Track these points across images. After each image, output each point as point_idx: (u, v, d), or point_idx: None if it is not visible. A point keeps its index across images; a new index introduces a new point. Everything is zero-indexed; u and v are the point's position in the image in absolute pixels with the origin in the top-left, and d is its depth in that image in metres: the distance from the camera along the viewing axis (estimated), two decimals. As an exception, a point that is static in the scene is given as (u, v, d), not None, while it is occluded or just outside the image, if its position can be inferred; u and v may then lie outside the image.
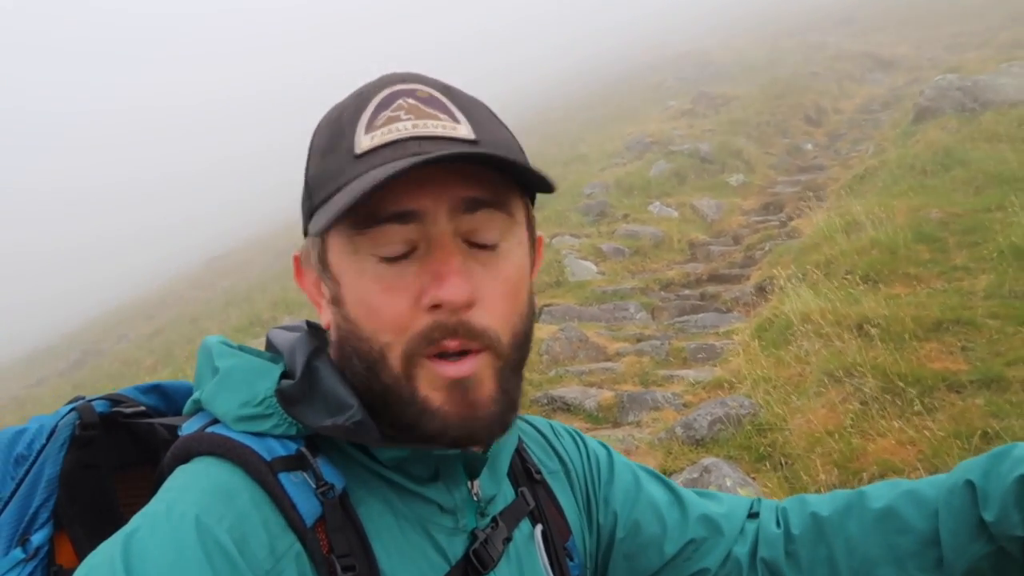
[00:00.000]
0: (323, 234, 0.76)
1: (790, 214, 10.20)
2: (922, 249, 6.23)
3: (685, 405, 5.55)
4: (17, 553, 0.81)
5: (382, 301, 0.72)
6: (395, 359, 0.73)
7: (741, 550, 0.99)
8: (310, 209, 0.77)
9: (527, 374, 6.77)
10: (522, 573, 0.85)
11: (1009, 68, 10.59)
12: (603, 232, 10.93)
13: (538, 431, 1.02)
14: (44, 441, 0.85)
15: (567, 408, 5.91)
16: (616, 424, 5.65)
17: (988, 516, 0.85)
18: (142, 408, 0.92)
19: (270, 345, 0.85)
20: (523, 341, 0.79)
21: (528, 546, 0.87)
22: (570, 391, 6.11)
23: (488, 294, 0.74)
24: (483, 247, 0.75)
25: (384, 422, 0.75)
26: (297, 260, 0.85)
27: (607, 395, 5.95)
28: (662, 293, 8.95)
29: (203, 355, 0.82)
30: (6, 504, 0.83)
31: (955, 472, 0.92)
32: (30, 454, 0.85)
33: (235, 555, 0.65)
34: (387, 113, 0.74)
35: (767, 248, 9.05)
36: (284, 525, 0.69)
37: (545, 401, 6.00)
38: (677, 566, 0.99)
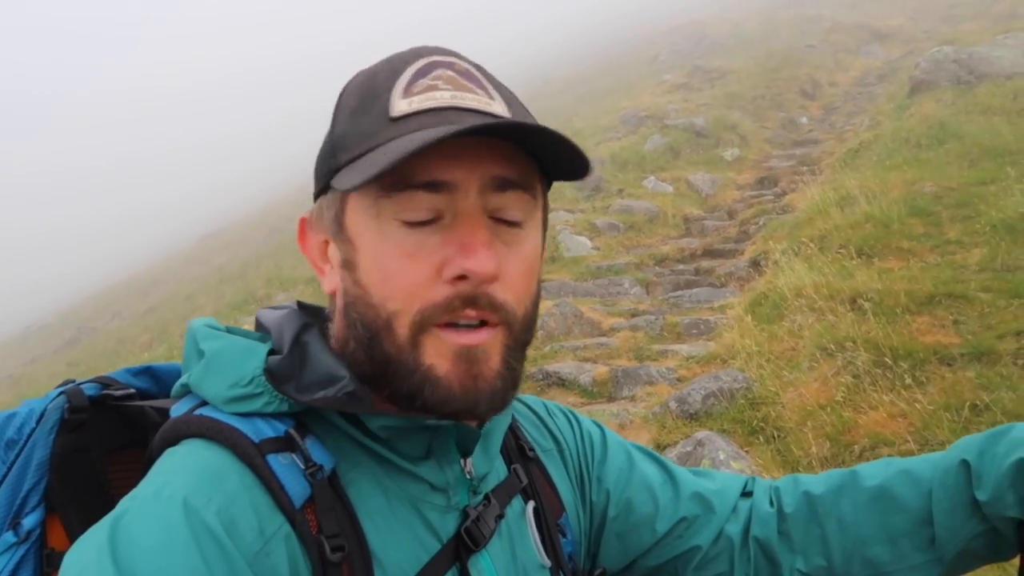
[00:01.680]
0: (344, 194, 0.75)
1: (785, 188, 10.19)
2: (916, 223, 6.24)
3: (679, 379, 5.57)
4: (8, 536, 0.81)
5: (400, 267, 0.72)
6: (402, 328, 0.72)
7: (733, 528, 0.99)
8: (332, 168, 0.76)
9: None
10: (513, 549, 0.85)
11: (1005, 40, 10.53)
12: (598, 207, 10.91)
13: (532, 410, 1.02)
14: (34, 425, 0.85)
15: (562, 383, 5.94)
16: (610, 399, 5.68)
17: (982, 496, 0.86)
18: (132, 391, 0.92)
19: (259, 325, 0.85)
20: (532, 323, 0.80)
21: (520, 523, 0.88)
22: (565, 366, 6.13)
23: (509, 271, 0.74)
24: (508, 226, 0.75)
25: (382, 395, 0.75)
26: (304, 222, 0.83)
27: (601, 370, 5.97)
28: (657, 268, 8.96)
29: (189, 338, 0.82)
30: None
31: (950, 451, 0.92)
32: (20, 438, 0.85)
33: (223, 537, 0.65)
34: (425, 81, 0.74)
35: (761, 223, 9.05)
36: (273, 507, 0.69)
37: (540, 376, 6.02)
38: (668, 544, 0.99)
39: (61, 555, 0.81)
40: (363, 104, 0.76)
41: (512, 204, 0.75)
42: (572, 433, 1.03)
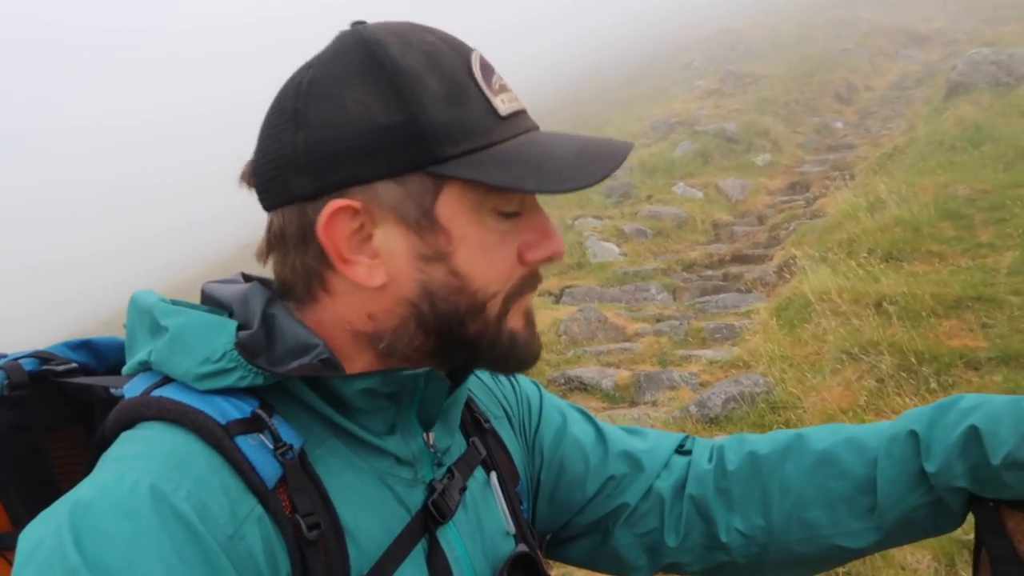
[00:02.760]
0: (438, 183, 0.73)
1: (816, 193, 10.04)
2: (947, 226, 6.11)
3: (701, 384, 5.53)
4: None
5: (501, 253, 0.77)
6: (494, 307, 0.78)
7: (664, 484, 0.99)
8: (430, 154, 0.72)
9: (545, 354, 6.76)
10: (480, 520, 0.86)
11: (1046, 41, 10.27)
12: (626, 213, 10.87)
13: (480, 379, 1.03)
14: None
15: (584, 388, 5.92)
16: (632, 403, 5.65)
17: (930, 468, 0.85)
18: (74, 365, 0.90)
19: (209, 299, 0.81)
20: None
21: (485, 493, 0.89)
22: (587, 371, 6.12)
23: None
24: None
25: (451, 360, 0.81)
26: (340, 209, 0.73)
27: (624, 375, 5.95)
28: (684, 274, 8.90)
29: (139, 313, 0.78)
30: None
31: (898, 422, 0.92)
32: None
33: (195, 523, 0.63)
34: (495, 78, 0.77)
35: (791, 228, 8.93)
36: (244, 489, 0.68)
37: (562, 381, 6.02)
38: (598, 503, 1.00)
39: (2, 537, 0.82)
40: (454, 93, 0.73)
41: None
42: (515, 397, 1.04)
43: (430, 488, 0.81)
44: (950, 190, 6.74)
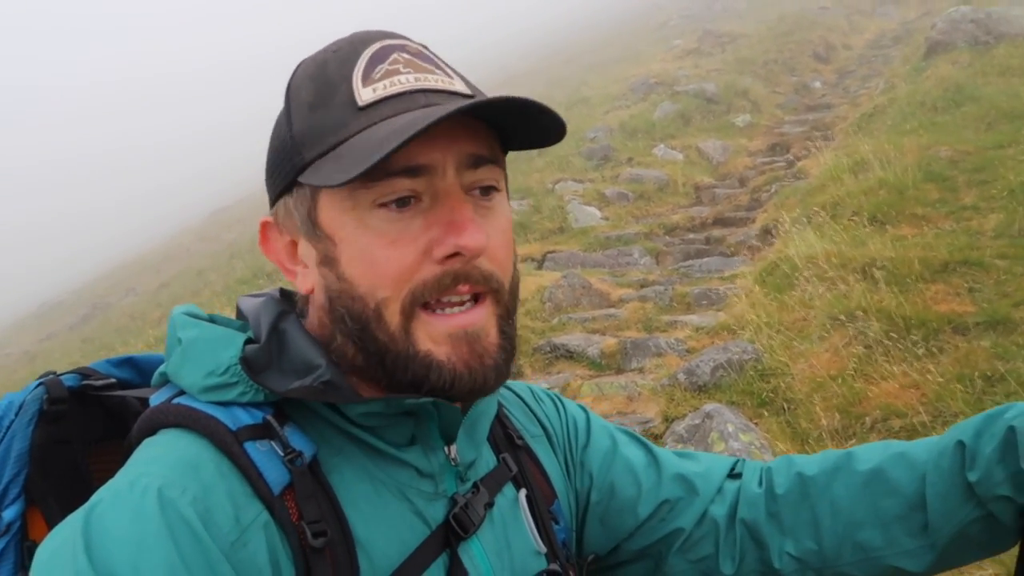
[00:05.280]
0: (314, 190, 0.74)
1: (797, 155, 10.03)
2: (931, 188, 6.12)
3: (688, 351, 5.52)
4: None
5: (387, 255, 0.72)
6: (393, 315, 0.73)
7: (719, 510, 0.97)
8: (298, 165, 0.74)
9: (530, 322, 6.68)
10: (507, 537, 0.84)
11: (1025, -2, 10.24)
12: (607, 177, 10.78)
13: (519, 396, 1.02)
14: (13, 417, 0.84)
15: (570, 355, 5.89)
16: (619, 371, 5.63)
17: (973, 476, 0.82)
18: (112, 381, 0.91)
19: (239, 313, 0.84)
20: (517, 289, 0.81)
21: (513, 510, 0.87)
22: (573, 338, 6.08)
23: (491, 243, 0.75)
24: (484, 201, 0.76)
25: (379, 385, 0.76)
26: (266, 226, 0.82)
27: (610, 342, 5.92)
28: (666, 238, 8.86)
29: (170, 327, 0.81)
30: None
31: (947, 433, 0.89)
32: None
33: (199, 528, 0.64)
34: (384, 66, 0.74)
35: (773, 190, 8.92)
36: (250, 495, 0.68)
37: (548, 349, 5.98)
38: (651, 527, 0.97)
39: None
40: (320, 96, 0.74)
41: (486, 179, 0.76)
42: (558, 418, 1.03)
43: (452, 502, 0.80)
44: (932, 151, 6.74)
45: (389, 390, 0.75)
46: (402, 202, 0.72)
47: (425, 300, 0.73)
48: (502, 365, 0.76)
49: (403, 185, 0.71)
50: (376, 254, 0.72)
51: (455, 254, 0.72)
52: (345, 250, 0.74)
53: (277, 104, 0.81)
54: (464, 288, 0.73)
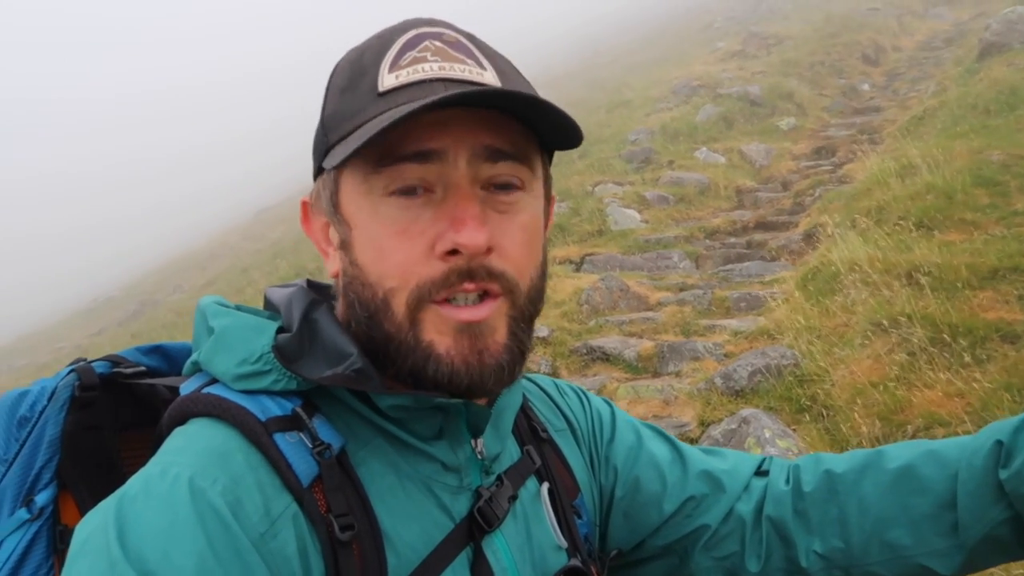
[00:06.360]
0: (337, 174, 0.75)
1: (843, 158, 9.84)
2: (981, 193, 5.94)
3: (726, 355, 5.45)
4: (22, 513, 0.82)
5: (395, 244, 0.71)
6: (399, 305, 0.72)
7: (745, 507, 0.96)
8: (325, 148, 0.76)
9: (566, 324, 6.66)
10: (529, 531, 0.84)
11: (1085, -2, 9.91)
12: (647, 179, 10.70)
13: (543, 390, 1.02)
14: (45, 403, 0.86)
15: (606, 358, 5.87)
16: (656, 374, 5.59)
17: (1004, 474, 0.80)
18: (142, 368, 0.92)
19: (268, 303, 0.85)
20: (538, 294, 0.79)
21: (535, 504, 0.87)
22: (609, 341, 6.06)
23: (506, 242, 0.74)
24: (502, 196, 0.74)
25: (387, 374, 0.75)
26: (306, 205, 0.83)
27: (647, 345, 5.88)
28: (707, 241, 8.77)
29: (199, 316, 0.81)
30: (10, 466, 0.84)
31: (984, 431, 0.87)
32: (32, 416, 0.86)
33: (229, 518, 0.64)
34: (413, 54, 0.73)
35: (817, 194, 8.76)
36: (280, 486, 0.68)
37: (584, 351, 5.96)
38: (676, 523, 0.97)
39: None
40: (351, 81, 0.75)
41: (504, 174, 0.74)
42: (583, 412, 1.02)
43: (476, 495, 0.80)
44: (984, 155, 6.55)
45: (395, 380, 0.75)
46: (409, 191, 0.71)
47: (433, 298, 0.72)
48: (506, 366, 0.74)
49: (413, 172, 0.70)
50: (384, 243, 0.72)
51: (455, 251, 0.71)
52: (358, 236, 0.74)
53: (305, 112, 0.84)
54: (470, 286, 0.72)
